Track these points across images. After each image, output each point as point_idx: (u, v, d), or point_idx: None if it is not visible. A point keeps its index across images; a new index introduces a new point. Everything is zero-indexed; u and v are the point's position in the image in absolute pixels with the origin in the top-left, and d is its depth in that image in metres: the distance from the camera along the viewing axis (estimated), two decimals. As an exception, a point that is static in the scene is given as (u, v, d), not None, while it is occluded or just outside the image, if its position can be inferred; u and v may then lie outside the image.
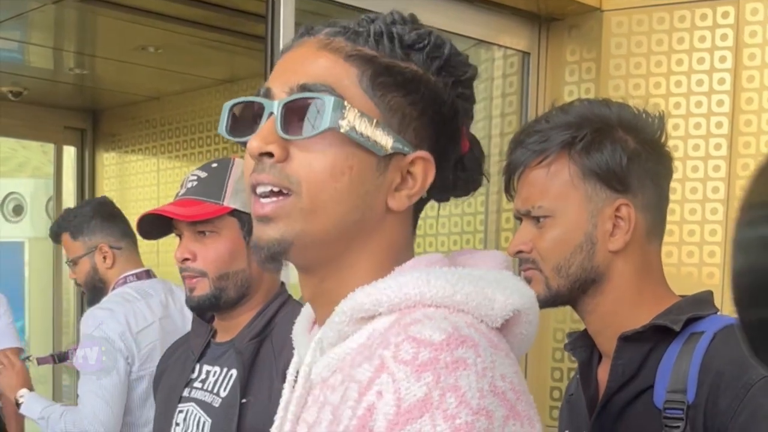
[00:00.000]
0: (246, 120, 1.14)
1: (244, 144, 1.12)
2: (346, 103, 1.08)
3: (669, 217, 3.57)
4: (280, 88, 1.11)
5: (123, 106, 6.06)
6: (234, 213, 2.16)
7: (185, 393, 2.25)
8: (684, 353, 1.58)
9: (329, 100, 1.07)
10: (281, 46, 2.93)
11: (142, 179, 5.96)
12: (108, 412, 3.12)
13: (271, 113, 1.10)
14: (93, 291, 3.42)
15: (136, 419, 3.24)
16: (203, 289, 2.16)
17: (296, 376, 1.20)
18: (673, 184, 3.62)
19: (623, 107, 1.71)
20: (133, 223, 2.41)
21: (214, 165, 2.24)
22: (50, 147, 6.56)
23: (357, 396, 1.02)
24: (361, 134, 1.08)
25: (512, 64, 3.85)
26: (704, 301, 1.72)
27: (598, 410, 1.71)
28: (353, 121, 1.08)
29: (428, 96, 1.14)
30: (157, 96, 5.77)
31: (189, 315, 3.37)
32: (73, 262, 3.42)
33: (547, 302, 1.70)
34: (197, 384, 2.24)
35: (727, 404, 1.50)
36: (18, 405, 3.33)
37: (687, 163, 3.52)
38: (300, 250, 1.12)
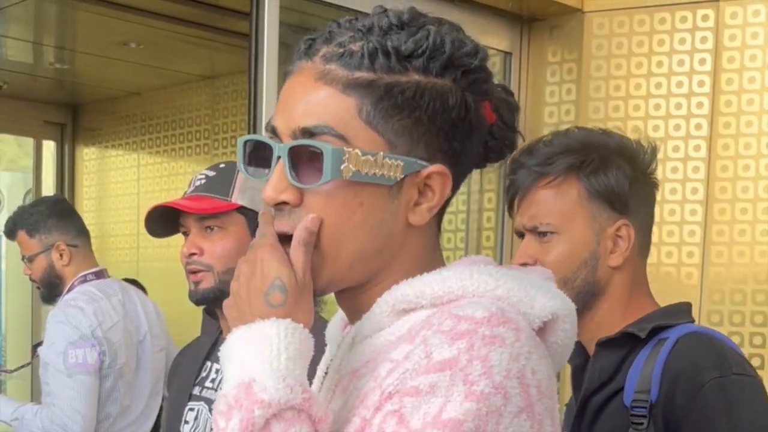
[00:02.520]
0: (260, 155, 1.14)
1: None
2: (345, 149, 1.07)
3: (648, 218, 3.62)
4: (284, 128, 1.12)
5: (103, 101, 6.04)
6: (241, 210, 2.17)
7: (195, 392, 2.25)
8: (650, 357, 1.72)
9: (327, 151, 1.06)
10: (266, 44, 2.94)
11: (122, 174, 5.94)
12: (85, 405, 3.16)
13: (279, 157, 1.10)
14: (49, 287, 3.46)
15: (98, 414, 3.27)
16: (209, 282, 2.15)
17: (326, 371, 1.22)
18: (652, 186, 3.67)
19: (622, 138, 1.87)
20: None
21: (222, 165, 2.25)
22: (25, 140, 6.53)
23: (388, 371, 1.05)
24: (366, 174, 1.08)
25: (494, 64, 3.87)
26: (678, 311, 1.86)
27: (578, 410, 1.83)
28: (355, 165, 1.07)
29: (434, 106, 1.11)
30: (137, 91, 5.75)
31: (144, 314, 3.41)
32: (29, 259, 3.45)
33: None
34: (208, 383, 2.24)
35: (682, 402, 1.65)
36: None
37: (666, 165, 3.55)
38: (331, 289, 1.15)
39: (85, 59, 5.18)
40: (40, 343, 3.45)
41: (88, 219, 6.07)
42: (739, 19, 3.44)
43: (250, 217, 2.16)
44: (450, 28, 1.15)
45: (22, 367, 4.24)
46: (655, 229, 3.55)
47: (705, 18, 3.50)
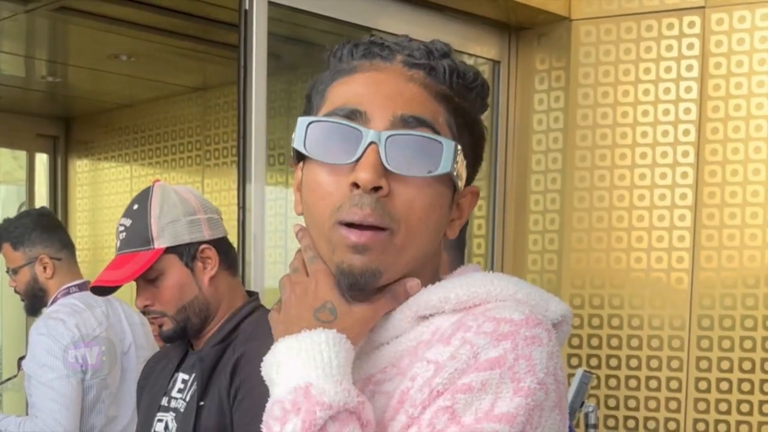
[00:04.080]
0: (330, 140, 1.12)
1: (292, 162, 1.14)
2: (460, 147, 1.12)
3: (638, 224, 3.65)
4: (379, 115, 1.11)
5: (95, 114, 6.05)
6: (168, 250, 2.23)
7: (164, 402, 2.31)
8: None
9: (449, 145, 1.10)
10: (254, 55, 2.96)
11: (115, 186, 5.95)
12: (67, 416, 3.18)
13: (372, 143, 1.09)
14: (32, 299, 3.49)
15: (82, 425, 3.30)
16: (168, 325, 2.26)
17: None
18: (641, 191, 3.72)
19: None
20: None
21: (135, 207, 2.28)
22: (20, 153, 6.54)
23: (433, 370, 1.08)
24: (459, 175, 1.14)
25: (483, 72, 3.88)
26: None
27: None
28: (460, 165, 1.13)
29: (480, 134, 1.20)
30: (129, 104, 5.76)
31: (129, 325, 3.44)
32: (14, 272, 3.47)
33: None
34: (175, 393, 2.29)
35: None
36: None
37: (655, 171, 3.58)
38: (384, 280, 1.15)
39: (77, 72, 5.19)
40: (24, 356, 3.46)
41: (81, 231, 6.10)
42: (725, 26, 3.47)
43: (180, 250, 2.23)
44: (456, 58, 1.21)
45: (8, 380, 4.25)
46: (644, 234, 3.61)
47: (691, 25, 3.53)
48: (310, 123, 1.12)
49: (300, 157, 1.16)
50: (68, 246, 3.54)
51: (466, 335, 1.08)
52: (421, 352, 1.12)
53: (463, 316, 1.11)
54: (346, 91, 1.14)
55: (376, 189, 1.08)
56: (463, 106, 1.16)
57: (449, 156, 1.10)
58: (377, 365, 1.17)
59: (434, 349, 1.10)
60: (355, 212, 1.09)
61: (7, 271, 3.52)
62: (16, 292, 3.55)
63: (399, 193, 1.10)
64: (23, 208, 6.41)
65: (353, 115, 1.11)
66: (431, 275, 1.20)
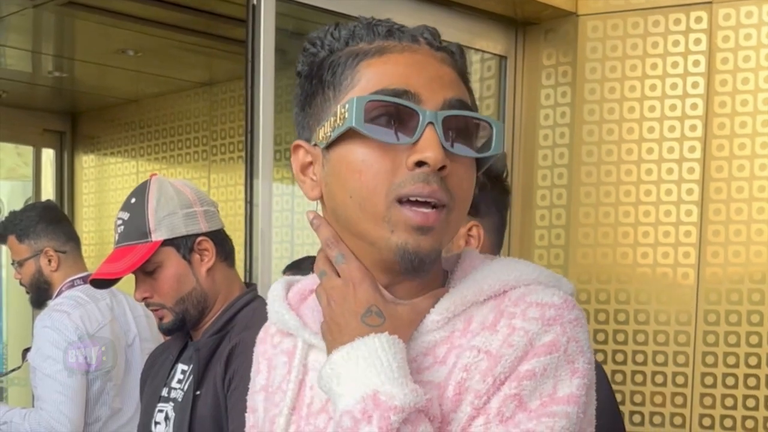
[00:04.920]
0: (383, 119, 1.11)
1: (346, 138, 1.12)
2: (503, 127, 1.14)
3: (644, 219, 3.65)
4: (429, 96, 1.11)
5: (102, 109, 6.06)
6: (166, 242, 2.27)
7: (164, 393, 2.35)
8: None
9: (498, 127, 1.14)
10: (262, 50, 2.96)
11: (121, 181, 5.96)
12: (72, 408, 3.20)
13: (430, 123, 1.09)
14: (37, 292, 3.51)
15: (87, 417, 3.32)
16: (168, 317, 2.31)
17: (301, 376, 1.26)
18: (648, 186, 3.72)
19: None
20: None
21: (133, 201, 2.33)
22: (24, 149, 6.55)
23: (487, 360, 1.10)
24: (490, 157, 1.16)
25: (489, 68, 3.89)
26: None
27: None
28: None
29: None
30: (136, 99, 5.77)
31: (133, 317, 3.46)
32: (19, 264, 3.49)
33: None
34: (175, 384, 2.32)
35: None
36: None
37: (662, 166, 3.57)
38: (436, 261, 1.16)
39: (84, 67, 5.20)
40: (29, 348, 3.48)
41: (88, 226, 6.11)
42: (732, 21, 3.46)
43: (177, 242, 2.28)
44: None
45: (12, 371, 4.26)
46: (651, 230, 3.61)
47: (698, 20, 3.52)
48: (368, 101, 1.10)
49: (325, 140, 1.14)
50: (73, 239, 3.55)
51: (513, 322, 1.11)
52: (461, 341, 1.13)
53: (498, 303, 1.14)
54: (385, 71, 1.13)
55: (441, 168, 1.09)
56: (471, 87, 1.20)
57: (500, 137, 1.13)
58: (408, 355, 1.16)
59: (480, 337, 1.12)
60: (422, 188, 1.09)
61: (12, 264, 3.53)
62: (21, 284, 3.57)
63: (454, 172, 1.11)
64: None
65: (405, 95, 1.10)
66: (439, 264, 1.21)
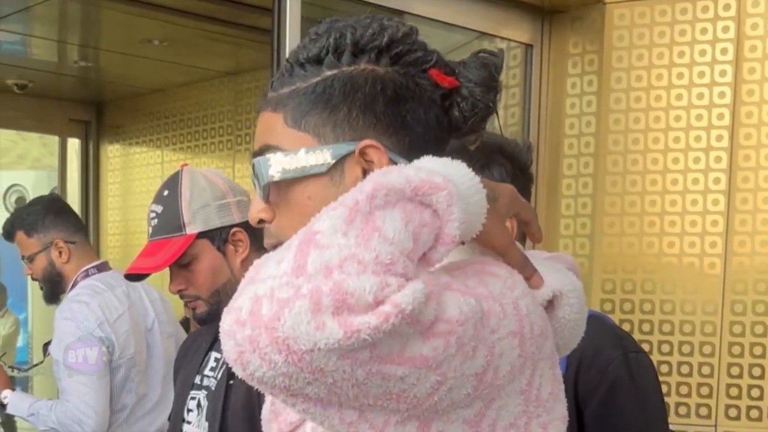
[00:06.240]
0: None
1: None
2: (267, 155, 1.19)
3: (670, 208, 3.62)
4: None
5: (127, 99, 6.08)
6: (200, 235, 2.26)
7: (197, 380, 2.34)
8: None
9: (256, 163, 1.20)
10: (288, 40, 2.96)
11: (146, 171, 5.99)
12: (97, 399, 3.22)
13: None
14: (51, 285, 3.51)
15: (113, 405, 3.34)
16: (202, 308, 2.30)
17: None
18: (675, 176, 3.70)
19: (502, 138, 2.04)
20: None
21: (165, 193, 2.32)
22: (49, 138, 6.59)
23: None
24: (295, 169, 1.18)
25: (515, 56, 3.88)
26: None
27: None
28: (281, 165, 1.18)
29: (344, 91, 1.18)
30: (161, 88, 5.79)
31: (149, 301, 3.48)
32: (29, 259, 3.49)
33: None
34: (208, 372, 2.32)
35: (590, 379, 1.94)
36: (3, 406, 3.40)
37: (689, 155, 3.56)
38: None
39: (109, 57, 5.22)
40: (50, 342, 3.50)
41: (113, 216, 6.14)
42: (761, 8, 3.43)
43: (212, 235, 2.27)
44: (357, 20, 1.21)
45: (35, 366, 4.28)
46: (677, 219, 3.59)
47: (727, 7, 3.50)
48: None
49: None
50: (81, 229, 3.57)
51: None
52: None
53: None
54: None
55: (263, 221, 1.26)
56: (309, 84, 1.19)
57: (261, 171, 1.20)
58: None
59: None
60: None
61: (23, 259, 3.54)
62: (33, 279, 3.58)
63: (278, 211, 1.24)
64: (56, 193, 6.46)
65: None
66: None
